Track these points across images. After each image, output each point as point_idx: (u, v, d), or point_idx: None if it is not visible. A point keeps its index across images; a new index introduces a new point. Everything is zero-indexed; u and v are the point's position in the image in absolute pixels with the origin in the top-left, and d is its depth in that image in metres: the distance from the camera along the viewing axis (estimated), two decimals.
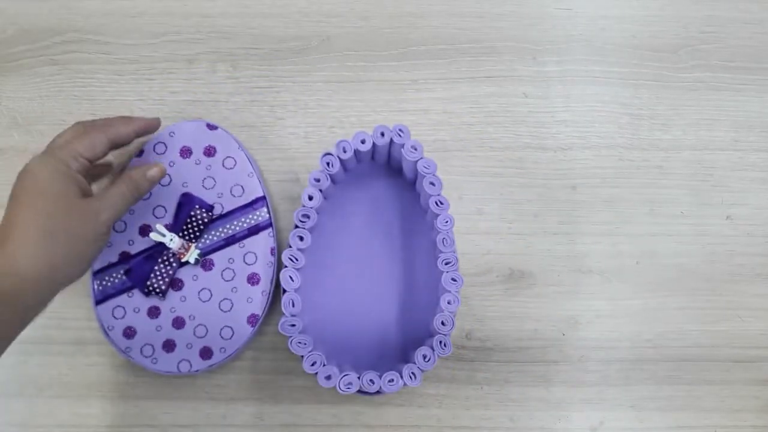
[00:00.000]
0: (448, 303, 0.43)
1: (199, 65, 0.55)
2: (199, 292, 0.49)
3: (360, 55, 0.55)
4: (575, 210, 0.53)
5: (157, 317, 0.48)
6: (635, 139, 0.54)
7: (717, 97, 0.55)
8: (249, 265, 0.49)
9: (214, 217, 0.49)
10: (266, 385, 0.50)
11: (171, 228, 0.49)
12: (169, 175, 0.50)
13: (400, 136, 0.44)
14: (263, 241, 0.49)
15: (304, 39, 0.55)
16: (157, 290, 0.48)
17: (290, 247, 0.45)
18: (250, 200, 0.50)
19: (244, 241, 0.49)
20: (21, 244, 0.38)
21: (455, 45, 0.56)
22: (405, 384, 0.42)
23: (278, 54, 0.55)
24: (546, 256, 0.52)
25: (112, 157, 0.50)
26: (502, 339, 0.51)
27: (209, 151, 0.50)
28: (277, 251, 0.49)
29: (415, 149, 0.44)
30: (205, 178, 0.50)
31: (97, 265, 0.49)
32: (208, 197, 0.50)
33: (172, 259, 0.48)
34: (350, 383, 0.41)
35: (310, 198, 0.45)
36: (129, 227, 0.49)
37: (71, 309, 0.50)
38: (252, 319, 0.48)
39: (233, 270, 0.49)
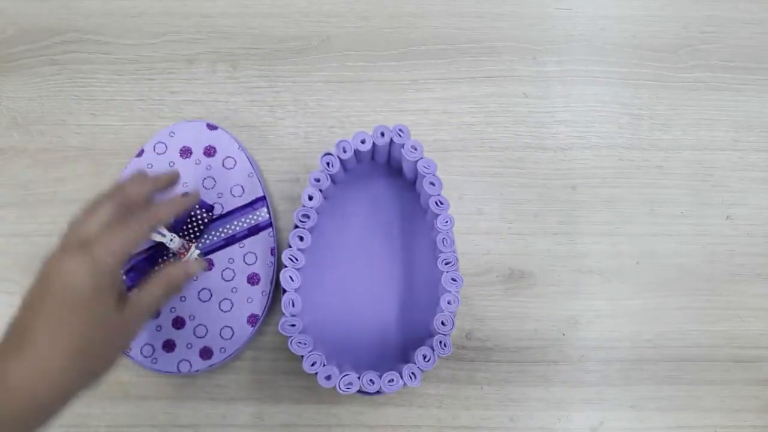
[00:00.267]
0: (448, 303, 0.43)
1: (199, 65, 0.55)
2: (199, 292, 0.48)
3: (360, 55, 0.55)
4: (575, 210, 0.53)
5: (157, 317, 0.48)
6: (635, 139, 0.54)
7: (717, 97, 0.55)
8: (249, 265, 0.49)
9: (214, 217, 0.49)
10: (266, 385, 0.50)
11: (171, 228, 0.49)
12: None
13: (400, 136, 0.44)
14: (263, 241, 0.49)
15: (304, 39, 0.55)
16: None
17: (290, 247, 0.45)
18: (250, 200, 0.50)
19: (244, 241, 0.49)
20: (47, 358, 0.32)
21: (455, 45, 0.56)
22: (405, 384, 0.42)
23: (278, 54, 0.55)
24: (546, 256, 0.52)
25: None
26: (502, 339, 0.51)
27: (209, 151, 0.50)
28: (277, 251, 0.49)
29: (415, 149, 0.44)
30: (205, 178, 0.50)
31: None
32: (208, 197, 0.50)
33: (172, 259, 0.48)
34: (350, 383, 0.41)
35: (310, 198, 0.45)
36: None
37: None
38: (252, 319, 0.48)
39: (233, 270, 0.49)
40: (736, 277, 0.52)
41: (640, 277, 0.52)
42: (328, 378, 0.42)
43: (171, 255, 0.48)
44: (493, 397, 0.50)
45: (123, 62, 0.55)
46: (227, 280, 0.49)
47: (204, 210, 0.48)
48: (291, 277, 0.44)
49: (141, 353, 0.47)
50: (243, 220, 0.49)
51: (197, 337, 0.48)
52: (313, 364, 0.42)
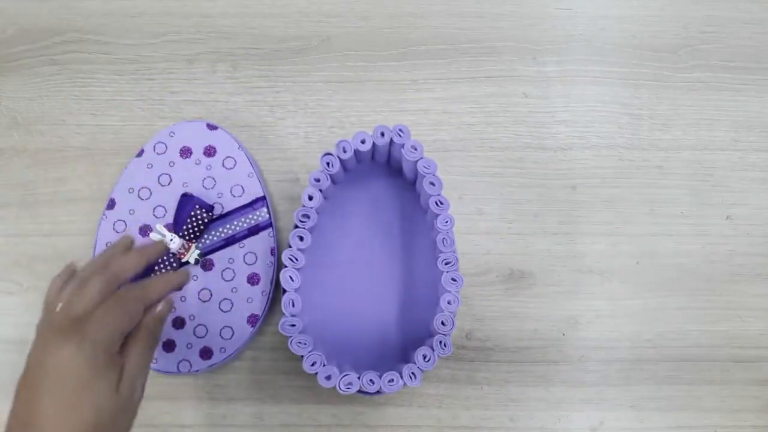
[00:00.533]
0: (448, 303, 0.43)
1: (199, 65, 0.55)
2: (199, 292, 0.48)
3: (360, 55, 0.55)
4: (575, 210, 0.53)
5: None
6: (635, 139, 0.54)
7: (717, 97, 0.55)
8: (249, 265, 0.49)
9: (214, 217, 0.49)
10: (266, 385, 0.50)
11: (171, 228, 0.49)
12: (169, 175, 0.50)
13: (400, 136, 0.44)
14: (263, 241, 0.49)
15: (304, 39, 0.55)
16: None
17: (290, 247, 0.45)
18: (250, 200, 0.50)
19: (244, 241, 0.49)
20: None
21: (455, 45, 0.56)
22: (405, 384, 0.42)
23: (278, 54, 0.55)
24: (546, 256, 0.52)
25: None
26: (502, 339, 0.51)
27: (209, 151, 0.50)
28: (277, 251, 0.49)
29: (415, 149, 0.44)
30: (205, 178, 0.50)
31: None
32: (208, 197, 0.50)
33: (172, 259, 0.48)
34: (350, 383, 0.41)
35: (310, 198, 0.45)
36: (129, 227, 0.49)
37: None
38: (252, 319, 0.48)
39: (233, 270, 0.49)
40: (736, 277, 0.52)
41: (640, 277, 0.52)
42: (328, 378, 0.42)
43: (171, 255, 0.48)
44: (493, 397, 0.50)
45: (123, 62, 0.55)
46: (227, 280, 0.49)
47: (204, 210, 0.48)
48: (291, 277, 0.44)
49: None
50: (243, 220, 0.49)
51: (197, 337, 0.48)
52: (313, 364, 0.42)
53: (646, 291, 0.52)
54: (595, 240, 0.53)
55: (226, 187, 0.50)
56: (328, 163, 0.45)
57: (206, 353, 0.48)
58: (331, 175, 0.45)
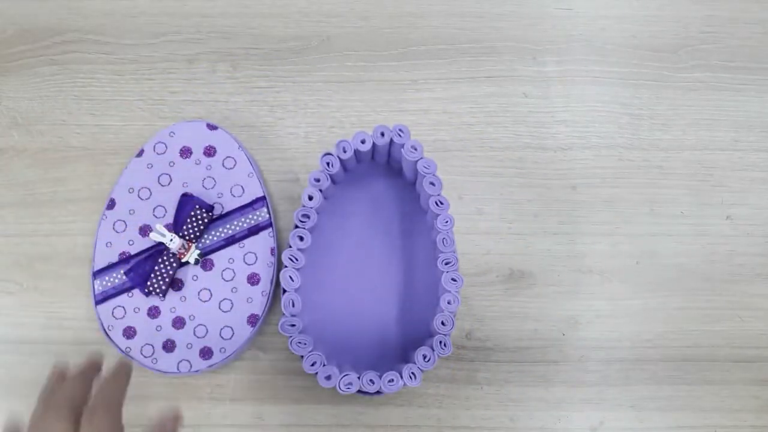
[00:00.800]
0: (448, 303, 0.43)
1: (199, 65, 0.55)
2: (199, 292, 0.48)
3: (360, 55, 0.55)
4: (575, 210, 0.53)
5: (157, 317, 0.48)
6: (635, 139, 0.54)
7: (717, 97, 0.55)
8: (249, 265, 0.49)
9: (214, 217, 0.49)
10: (266, 385, 0.50)
11: (171, 228, 0.49)
12: (168, 175, 0.50)
13: (400, 136, 0.44)
14: (263, 241, 0.49)
15: (304, 39, 0.55)
16: (157, 290, 0.48)
17: (290, 247, 0.45)
18: (250, 200, 0.50)
19: (244, 241, 0.49)
20: None
21: (455, 45, 0.56)
22: (405, 384, 0.42)
23: (278, 54, 0.55)
24: (546, 256, 0.52)
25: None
26: (502, 339, 0.51)
27: (209, 151, 0.50)
28: (277, 251, 0.49)
29: (415, 149, 0.44)
30: (205, 178, 0.50)
31: (97, 266, 0.49)
32: (208, 197, 0.50)
33: (172, 259, 0.48)
34: (350, 383, 0.41)
35: (310, 198, 0.45)
36: (129, 227, 0.49)
37: (71, 309, 0.50)
38: (252, 319, 0.48)
39: (233, 270, 0.49)
40: (736, 277, 0.52)
41: (640, 277, 0.52)
42: (328, 378, 0.42)
43: (171, 255, 0.48)
44: (493, 397, 0.50)
45: (123, 62, 0.55)
46: (227, 280, 0.49)
47: (204, 210, 0.48)
48: (291, 277, 0.44)
49: (141, 353, 0.47)
50: (243, 220, 0.49)
51: (197, 337, 0.48)
52: (313, 364, 0.42)
53: (646, 291, 0.52)
54: (595, 240, 0.53)
55: (226, 187, 0.50)
56: (328, 163, 0.45)
57: (206, 353, 0.48)
58: (331, 175, 0.45)
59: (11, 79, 0.54)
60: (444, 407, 0.50)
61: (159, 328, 0.48)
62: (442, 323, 0.43)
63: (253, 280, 0.49)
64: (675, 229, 0.53)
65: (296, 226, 0.45)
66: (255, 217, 0.49)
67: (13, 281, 0.51)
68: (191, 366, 0.47)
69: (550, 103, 0.55)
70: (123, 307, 0.48)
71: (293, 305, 0.44)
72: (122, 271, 0.48)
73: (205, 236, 0.49)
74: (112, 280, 0.48)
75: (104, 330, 0.48)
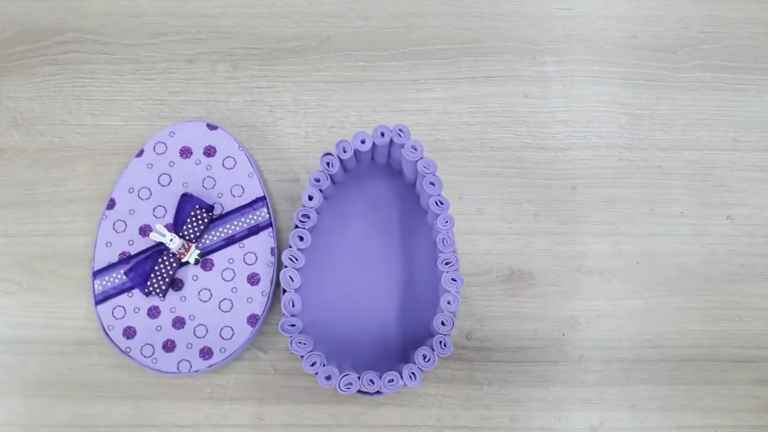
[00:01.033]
0: (448, 303, 0.43)
1: (199, 65, 0.55)
2: (199, 292, 0.49)
3: (360, 55, 0.55)
4: (575, 210, 0.53)
5: (157, 317, 0.48)
6: (635, 139, 0.54)
7: (717, 97, 0.55)
8: (249, 265, 0.49)
9: (214, 217, 0.49)
10: (266, 385, 0.50)
11: (171, 228, 0.49)
12: (168, 175, 0.50)
13: (400, 136, 0.44)
14: (263, 241, 0.49)
15: (304, 39, 0.55)
16: (157, 290, 0.48)
17: (290, 247, 0.45)
18: (250, 200, 0.50)
19: (244, 241, 0.49)
20: None
21: (455, 45, 0.56)
22: (405, 384, 0.42)
23: (278, 54, 0.55)
24: (546, 256, 0.52)
25: None
26: (502, 339, 0.51)
27: (209, 151, 0.50)
28: (277, 251, 0.49)
29: (415, 149, 0.44)
30: (205, 178, 0.50)
31: (97, 266, 0.49)
32: (208, 197, 0.50)
33: (172, 259, 0.48)
34: (350, 383, 0.41)
35: (310, 198, 0.45)
36: (129, 227, 0.49)
37: (71, 309, 0.51)
38: (252, 319, 0.48)
39: (233, 270, 0.49)
40: (736, 277, 0.52)
41: (640, 277, 0.52)
42: (328, 378, 0.42)
43: (171, 255, 0.48)
44: (493, 397, 0.50)
45: (123, 62, 0.55)
46: (227, 280, 0.49)
47: (204, 210, 0.48)
48: (291, 277, 0.44)
49: (141, 353, 0.47)
50: (243, 220, 0.49)
51: (197, 337, 0.48)
52: (313, 364, 0.42)
53: (646, 291, 0.52)
54: (595, 240, 0.53)
55: (226, 187, 0.50)
56: (328, 163, 0.45)
57: (206, 353, 0.48)
58: (331, 175, 0.45)
59: (11, 79, 0.54)
60: (444, 407, 0.50)
61: (159, 328, 0.48)
62: (442, 323, 0.43)
63: (253, 280, 0.49)
64: (675, 229, 0.53)
65: (296, 226, 0.45)
66: (255, 217, 0.49)
67: (13, 281, 0.51)
68: (191, 366, 0.47)
69: (550, 103, 0.55)
70: (123, 307, 0.48)
71: (293, 305, 0.44)
72: (122, 271, 0.48)
73: (205, 236, 0.49)
74: (112, 280, 0.48)
75: (104, 330, 0.48)
